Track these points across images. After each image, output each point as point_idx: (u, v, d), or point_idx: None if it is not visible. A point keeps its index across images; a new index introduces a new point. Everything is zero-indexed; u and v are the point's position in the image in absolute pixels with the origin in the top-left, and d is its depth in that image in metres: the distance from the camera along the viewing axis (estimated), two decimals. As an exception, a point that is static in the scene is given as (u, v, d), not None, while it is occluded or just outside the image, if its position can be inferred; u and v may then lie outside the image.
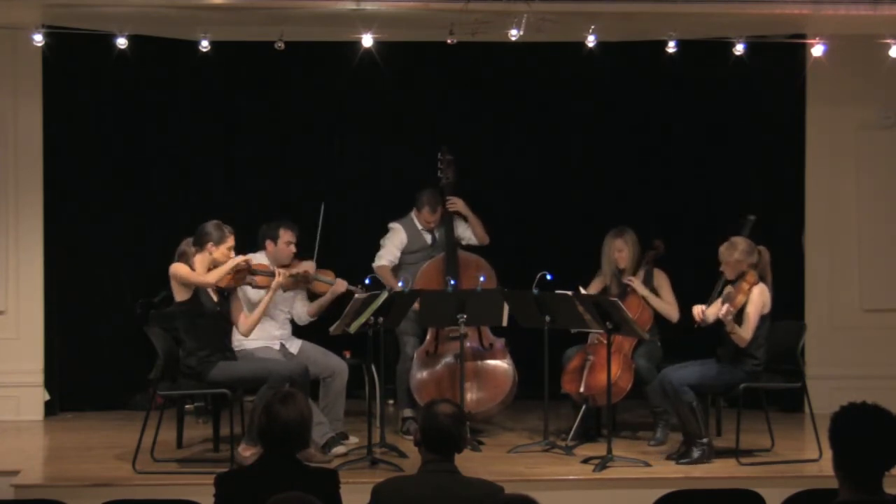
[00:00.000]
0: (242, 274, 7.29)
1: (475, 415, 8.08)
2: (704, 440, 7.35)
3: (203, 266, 7.20)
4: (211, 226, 7.27)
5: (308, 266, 7.88)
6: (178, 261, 7.28)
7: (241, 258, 7.28)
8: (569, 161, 9.70)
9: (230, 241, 7.27)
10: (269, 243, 7.94)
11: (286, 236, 7.90)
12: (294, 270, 7.76)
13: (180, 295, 7.21)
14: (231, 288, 7.34)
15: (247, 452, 7.17)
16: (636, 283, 8.11)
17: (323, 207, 7.85)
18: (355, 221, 9.54)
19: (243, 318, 7.41)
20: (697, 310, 7.37)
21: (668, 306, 8.13)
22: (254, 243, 8.02)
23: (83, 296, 9.21)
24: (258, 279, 7.42)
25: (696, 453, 7.32)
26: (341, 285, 7.90)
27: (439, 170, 8.49)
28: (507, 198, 9.59)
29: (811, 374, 8.25)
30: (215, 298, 7.28)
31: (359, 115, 9.64)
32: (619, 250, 8.16)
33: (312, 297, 8.07)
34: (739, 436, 7.37)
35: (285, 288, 7.65)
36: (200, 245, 7.24)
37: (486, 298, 7.91)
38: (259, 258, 7.82)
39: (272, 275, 7.42)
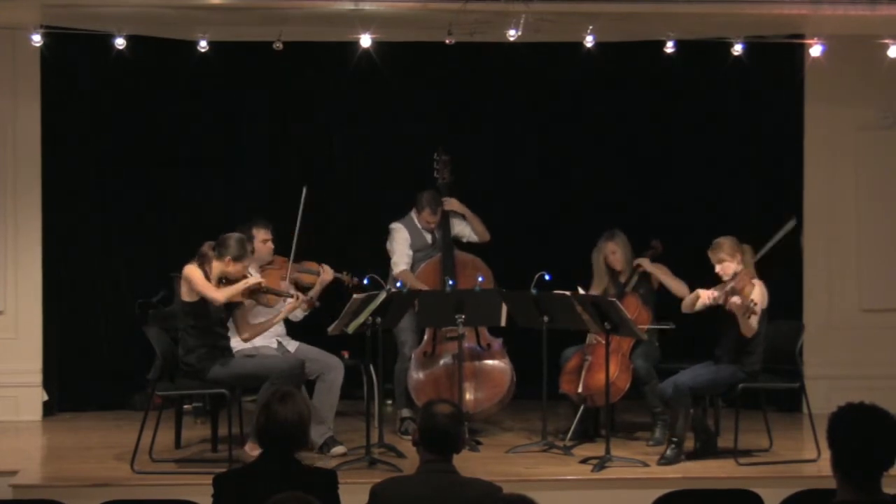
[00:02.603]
0: (256, 294, 7.36)
1: (473, 415, 8.08)
2: (682, 444, 7.35)
3: (217, 272, 7.26)
4: (234, 240, 7.30)
5: (286, 269, 7.86)
6: (197, 261, 7.28)
7: (255, 280, 7.34)
8: (567, 161, 9.70)
9: (248, 262, 7.33)
10: (228, 259, 7.87)
11: (261, 235, 7.88)
12: (302, 289, 7.77)
13: (188, 296, 7.23)
14: (239, 302, 7.39)
15: (255, 451, 7.18)
16: (646, 262, 8.10)
17: (305, 191, 7.80)
18: (353, 221, 9.54)
19: (246, 326, 7.54)
20: (706, 294, 7.34)
21: (677, 283, 8.09)
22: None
23: (82, 296, 9.21)
24: (269, 298, 7.46)
25: (669, 453, 7.33)
26: (328, 273, 7.90)
27: (436, 170, 8.49)
28: (505, 198, 9.58)
29: (809, 375, 8.23)
30: (222, 307, 7.33)
31: (357, 115, 9.64)
32: (613, 252, 8.17)
33: (302, 290, 8.03)
34: (738, 436, 7.37)
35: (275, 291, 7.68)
36: (220, 255, 7.27)
37: (484, 299, 7.90)
38: None
39: (282, 295, 7.48)
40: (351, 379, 8.01)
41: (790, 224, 7.37)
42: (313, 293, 7.90)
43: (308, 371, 7.66)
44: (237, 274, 7.28)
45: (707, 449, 7.50)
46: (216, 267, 7.26)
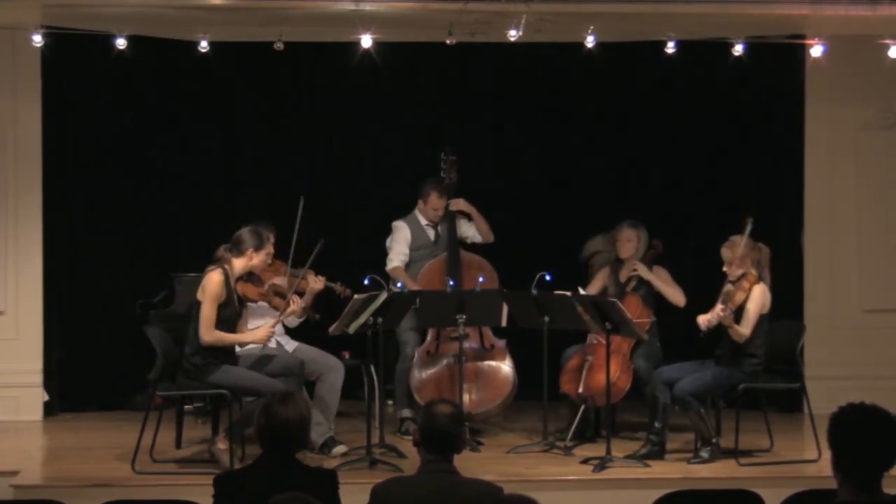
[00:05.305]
0: (272, 296, 7.35)
1: (474, 415, 8.08)
2: (714, 440, 7.39)
3: (241, 269, 7.22)
4: (247, 233, 7.27)
5: (281, 280, 7.81)
6: (216, 266, 7.23)
7: (297, 306, 7.35)
8: (569, 161, 9.69)
9: (270, 248, 7.32)
10: (250, 252, 7.79)
11: (268, 248, 7.78)
12: (301, 300, 7.74)
13: (201, 296, 7.20)
14: (254, 300, 7.37)
15: (223, 445, 7.15)
16: (642, 268, 8.10)
17: (302, 202, 7.74)
18: (356, 222, 9.54)
19: (208, 330, 7.12)
20: (703, 319, 7.35)
21: (674, 291, 8.09)
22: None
23: (83, 296, 9.21)
24: (278, 302, 7.44)
25: (705, 453, 7.35)
26: (318, 283, 7.75)
27: (442, 170, 8.48)
28: (505, 197, 9.57)
29: (810, 375, 8.23)
30: (238, 309, 7.31)
31: (359, 116, 9.63)
32: (629, 240, 8.15)
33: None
34: (739, 436, 7.38)
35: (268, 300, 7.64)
36: (239, 252, 7.24)
37: (484, 299, 7.90)
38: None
39: (285, 298, 7.46)
40: (352, 379, 8.01)
41: (749, 226, 7.38)
42: (306, 303, 7.79)
43: (308, 372, 7.65)
44: (262, 264, 7.27)
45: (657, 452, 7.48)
46: (237, 265, 7.23)
